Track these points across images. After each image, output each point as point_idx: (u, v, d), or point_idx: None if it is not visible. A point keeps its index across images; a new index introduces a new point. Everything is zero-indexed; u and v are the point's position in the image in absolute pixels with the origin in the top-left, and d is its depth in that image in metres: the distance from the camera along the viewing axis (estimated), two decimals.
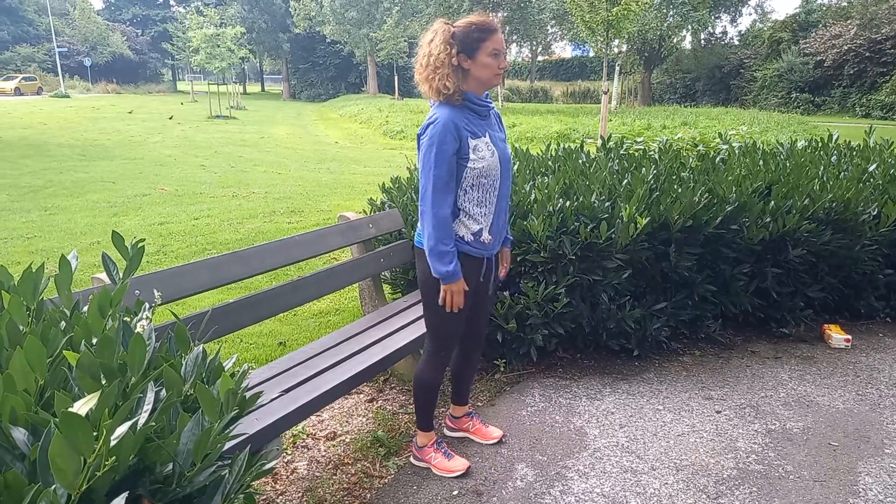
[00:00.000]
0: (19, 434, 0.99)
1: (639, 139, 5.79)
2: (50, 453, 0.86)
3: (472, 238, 2.28)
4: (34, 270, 1.35)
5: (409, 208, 3.59)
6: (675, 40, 32.43)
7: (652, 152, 4.58)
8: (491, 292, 2.53)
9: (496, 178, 2.26)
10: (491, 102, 2.31)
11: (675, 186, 3.51)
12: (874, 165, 4.31)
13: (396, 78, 37.24)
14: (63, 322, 1.34)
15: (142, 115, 23.66)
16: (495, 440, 2.72)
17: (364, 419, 2.97)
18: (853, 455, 2.65)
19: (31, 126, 18.33)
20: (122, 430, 0.93)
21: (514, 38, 33.33)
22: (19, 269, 1.39)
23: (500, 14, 29.53)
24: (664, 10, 27.80)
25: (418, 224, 2.35)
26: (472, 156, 2.18)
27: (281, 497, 2.41)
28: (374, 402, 3.12)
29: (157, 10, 54.21)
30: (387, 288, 3.94)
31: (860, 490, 2.42)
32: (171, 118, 23.13)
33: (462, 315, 2.35)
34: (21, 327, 1.26)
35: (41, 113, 23.05)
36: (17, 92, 37.54)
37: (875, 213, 3.82)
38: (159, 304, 1.48)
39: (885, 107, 26.22)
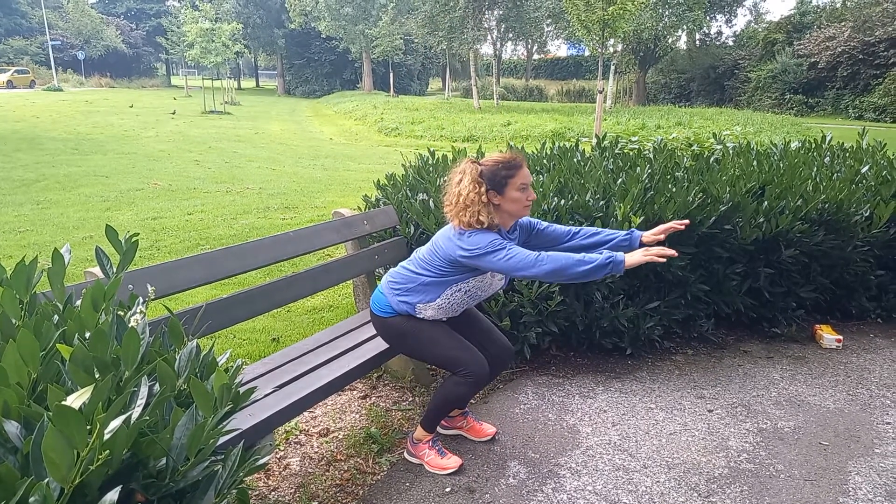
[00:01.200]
0: (12, 427, 0.99)
1: (633, 138, 5.80)
2: (43, 447, 0.86)
3: (426, 317, 2.45)
4: (27, 264, 1.34)
5: (403, 205, 3.58)
6: (670, 40, 32.51)
7: (646, 152, 4.59)
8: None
9: (487, 293, 2.48)
10: (516, 235, 2.45)
11: (670, 186, 3.52)
12: (867, 167, 4.33)
13: (392, 75, 37.19)
14: (56, 316, 1.34)
15: (135, 110, 23.53)
16: (488, 438, 2.73)
17: (357, 416, 2.97)
18: (843, 454, 2.67)
19: (24, 119, 18.21)
20: (115, 424, 0.92)
21: (510, 36, 33.30)
22: (11, 263, 1.38)
23: (495, 11, 29.52)
24: (660, 10, 27.84)
25: (380, 289, 2.52)
26: (483, 274, 2.37)
27: (273, 493, 2.40)
28: (368, 399, 3.12)
29: (152, 4, 53.89)
30: None
31: (850, 489, 2.44)
32: (174, 113, 23.06)
33: (455, 333, 2.46)
34: (14, 321, 1.25)
35: (34, 106, 22.90)
36: (10, 85, 37.29)
37: (867, 214, 3.84)
38: (153, 299, 1.48)
39: (877, 109, 26.36)
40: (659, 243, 2.45)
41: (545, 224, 2.54)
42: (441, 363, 2.52)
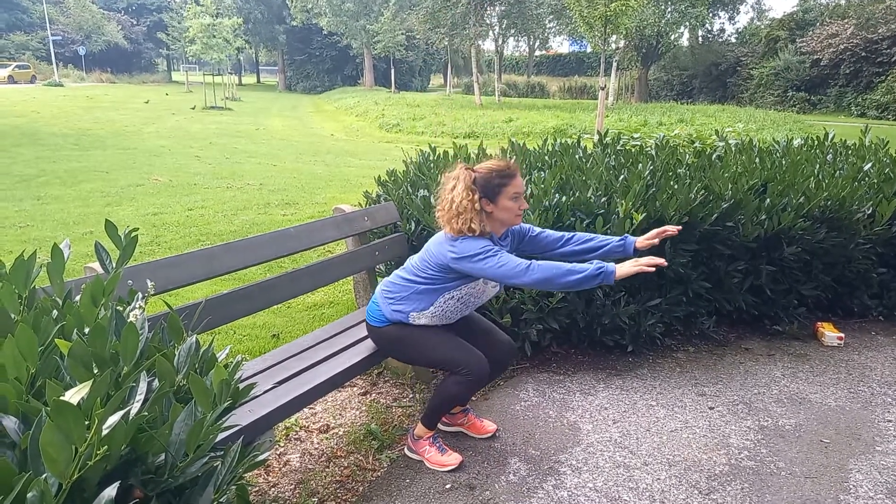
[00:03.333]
0: (10, 422, 0.98)
1: (636, 135, 5.78)
2: (41, 442, 0.85)
3: (420, 323, 2.44)
4: (26, 259, 1.33)
5: (404, 201, 3.57)
6: (672, 37, 32.36)
7: (648, 148, 4.58)
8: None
9: (481, 300, 2.47)
10: (507, 241, 2.45)
11: (672, 183, 3.51)
12: (869, 164, 4.32)
13: (393, 71, 37.10)
14: (55, 311, 1.33)
15: (136, 106, 23.51)
16: (489, 434, 2.72)
17: (357, 412, 2.97)
18: (844, 452, 2.66)
19: (24, 114, 18.20)
20: (114, 419, 0.92)
21: (512, 32, 33.22)
22: (11, 258, 1.37)
23: (497, 7, 29.45)
24: (662, 7, 27.76)
25: (375, 298, 2.52)
26: (475, 281, 2.38)
27: (273, 489, 2.40)
28: (368, 396, 3.12)
29: (153, 0, 53.77)
30: None
31: (851, 487, 2.43)
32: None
33: (451, 335, 2.46)
34: (13, 315, 1.25)
35: (34, 101, 22.88)
36: (11, 80, 37.25)
37: (869, 211, 3.83)
38: (152, 295, 1.47)
39: (880, 106, 26.30)
40: (655, 246, 2.44)
41: (538, 230, 2.53)
42: (440, 366, 2.53)
